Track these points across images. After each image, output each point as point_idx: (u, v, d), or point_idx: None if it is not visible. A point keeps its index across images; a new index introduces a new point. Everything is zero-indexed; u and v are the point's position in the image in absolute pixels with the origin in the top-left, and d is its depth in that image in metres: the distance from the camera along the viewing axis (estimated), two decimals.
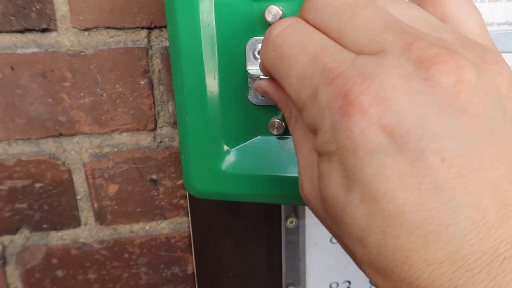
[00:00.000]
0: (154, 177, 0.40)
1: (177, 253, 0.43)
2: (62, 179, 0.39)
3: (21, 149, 0.38)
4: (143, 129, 0.39)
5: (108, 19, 0.35)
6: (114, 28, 0.36)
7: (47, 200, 0.40)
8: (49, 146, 0.38)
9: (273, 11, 0.23)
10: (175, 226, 0.42)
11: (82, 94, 0.37)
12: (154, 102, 0.38)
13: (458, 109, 0.13)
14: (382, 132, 0.14)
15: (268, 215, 0.40)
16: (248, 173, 0.26)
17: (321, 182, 0.16)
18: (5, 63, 0.36)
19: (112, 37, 0.36)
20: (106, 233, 0.42)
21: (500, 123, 0.14)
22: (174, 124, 0.39)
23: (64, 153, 0.39)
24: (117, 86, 0.37)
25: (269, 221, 0.40)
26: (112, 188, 0.40)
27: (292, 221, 0.39)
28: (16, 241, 0.41)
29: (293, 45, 0.17)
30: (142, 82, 0.37)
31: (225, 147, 0.27)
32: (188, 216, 0.42)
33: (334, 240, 0.39)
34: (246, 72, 0.25)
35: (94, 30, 0.36)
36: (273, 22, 0.23)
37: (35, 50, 0.36)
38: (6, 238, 0.41)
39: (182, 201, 0.42)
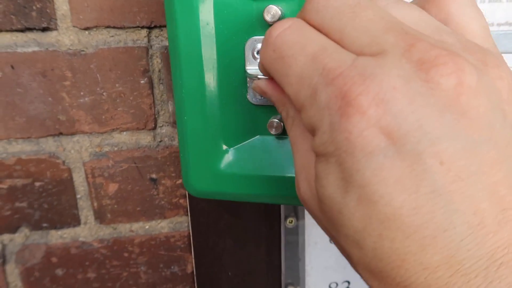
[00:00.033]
0: (154, 176, 0.40)
1: (177, 253, 0.43)
2: (62, 178, 0.40)
3: (21, 148, 0.38)
4: (143, 128, 0.39)
5: (109, 18, 0.35)
6: (114, 27, 0.36)
7: (47, 199, 0.40)
8: (49, 145, 0.39)
9: (272, 11, 0.23)
10: (175, 225, 0.42)
11: (82, 93, 0.37)
12: (154, 102, 0.38)
13: (458, 112, 0.13)
14: (381, 134, 0.13)
15: (268, 215, 0.40)
16: (246, 173, 0.26)
17: (318, 183, 0.16)
18: (6, 62, 0.36)
19: (112, 36, 0.36)
20: (106, 232, 0.42)
21: (500, 127, 0.14)
22: (174, 124, 0.39)
23: (64, 152, 0.39)
24: (117, 85, 0.37)
25: (269, 221, 0.40)
26: (112, 187, 0.40)
27: (292, 221, 0.39)
28: (16, 239, 0.41)
29: (293, 46, 0.17)
30: (142, 82, 0.37)
31: (224, 147, 0.27)
32: (187, 215, 0.42)
33: None
34: (245, 71, 0.25)
35: (95, 29, 0.36)
36: (272, 22, 0.23)
37: (36, 49, 0.36)
38: (6, 237, 0.41)
39: (181, 201, 0.42)
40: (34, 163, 0.39)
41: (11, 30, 0.35)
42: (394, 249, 0.13)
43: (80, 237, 0.42)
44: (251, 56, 0.25)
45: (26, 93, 0.37)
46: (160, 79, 0.38)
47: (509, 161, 0.13)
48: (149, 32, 0.36)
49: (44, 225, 0.41)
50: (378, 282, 0.14)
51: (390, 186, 0.13)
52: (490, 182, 0.13)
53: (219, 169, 0.27)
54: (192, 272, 0.44)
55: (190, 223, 0.41)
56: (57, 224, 0.41)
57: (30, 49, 0.36)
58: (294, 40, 0.17)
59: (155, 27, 0.36)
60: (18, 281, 0.42)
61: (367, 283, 0.15)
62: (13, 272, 0.42)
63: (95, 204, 0.41)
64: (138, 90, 0.37)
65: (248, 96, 0.26)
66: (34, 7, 0.35)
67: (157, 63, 0.37)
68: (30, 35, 0.35)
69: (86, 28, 0.35)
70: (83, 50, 0.36)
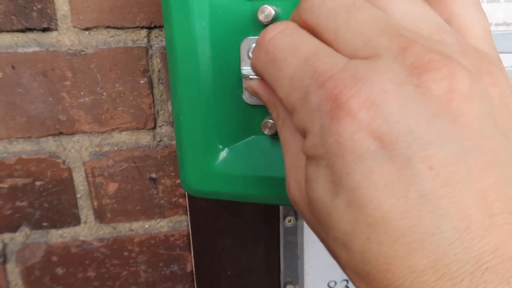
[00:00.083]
0: (153, 175, 0.41)
1: (176, 251, 0.43)
2: (62, 178, 0.40)
3: (22, 148, 0.39)
4: (142, 128, 0.39)
5: (108, 19, 0.35)
6: (114, 27, 0.36)
7: (47, 198, 0.40)
8: (50, 144, 0.39)
9: (266, 11, 0.23)
10: (174, 224, 0.43)
11: (82, 93, 0.37)
12: (153, 101, 0.38)
13: (449, 117, 0.13)
14: (371, 138, 0.13)
15: (267, 214, 0.40)
16: (241, 172, 0.26)
17: (308, 186, 0.16)
18: (6, 62, 0.36)
19: (112, 36, 0.36)
20: (106, 231, 0.42)
21: (491, 134, 0.14)
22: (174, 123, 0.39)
23: (64, 151, 0.39)
24: (117, 85, 0.37)
25: (268, 220, 0.40)
26: (112, 187, 0.40)
27: (291, 220, 0.40)
28: (16, 239, 0.41)
29: (285, 49, 0.17)
30: (142, 81, 0.38)
31: (219, 146, 0.27)
32: (187, 214, 0.42)
33: None
34: (240, 72, 0.25)
35: (95, 29, 0.36)
36: (265, 22, 0.23)
37: (36, 49, 0.36)
38: (6, 236, 0.41)
39: (181, 200, 0.42)
40: (34, 163, 0.39)
41: (12, 31, 0.35)
42: (382, 252, 0.13)
43: (80, 236, 0.42)
44: (246, 56, 0.25)
45: (27, 93, 0.37)
46: (159, 79, 0.38)
47: (498, 167, 0.13)
48: (149, 32, 0.36)
49: (45, 224, 0.41)
50: (365, 285, 0.14)
51: (379, 190, 0.13)
52: (478, 188, 0.13)
53: (214, 169, 0.27)
54: (192, 271, 0.44)
55: (189, 222, 0.41)
56: (57, 223, 0.41)
57: (30, 49, 0.36)
58: (287, 43, 0.17)
59: (155, 27, 0.36)
60: (19, 280, 0.42)
61: (355, 285, 0.15)
62: (13, 271, 0.42)
63: (95, 203, 0.41)
64: (137, 90, 0.38)
65: (243, 96, 0.26)
66: (34, 8, 0.35)
67: (156, 63, 0.37)
68: (31, 36, 0.36)
69: (86, 29, 0.36)
70: (83, 50, 0.36)
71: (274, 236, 0.41)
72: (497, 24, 0.30)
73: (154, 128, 0.39)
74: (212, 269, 0.42)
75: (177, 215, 0.42)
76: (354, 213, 0.14)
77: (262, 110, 0.26)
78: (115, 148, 0.39)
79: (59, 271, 0.43)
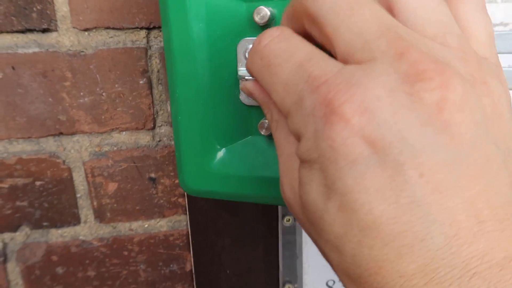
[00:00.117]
0: (153, 175, 0.41)
1: (176, 251, 0.44)
2: (62, 178, 0.40)
3: (22, 148, 0.39)
4: (142, 128, 0.39)
5: (108, 20, 0.36)
6: (113, 28, 0.36)
7: (47, 198, 0.40)
8: (50, 144, 0.39)
9: (261, 12, 0.23)
10: (174, 224, 0.43)
11: (82, 93, 0.37)
12: (153, 102, 0.38)
13: (440, 126, 0.13)
14: (364, 143, 0.14)
15: (266, 213, 0.40)
16: (238, 173, 0.26)
17: (301, 189, 0.16)
18: (6, 62, 0.36)
19: (111, 37, 0.36)
20: (106, 230, 0.42)
21: (481, 144, 0.14)
22: None
23: (64, 151, 0.39)
24: (116, 85, 0.37)
25: (267, 220, 0.40)
26: (112, 187, 0.41)
27: (289, 220, 0.40)
28: (16, 238, 0.41)
29: (280, 54, 0.17)
30: (141, 82, 0.38)
31: (217, 146, 0.27)
32: (186, 214, 0.42)
33: None
34: (237, 72, 0.26)
35: (94, 30, 0.36)
36: (261, 23, 0.23)
37: (36, 50, 0.36)
38: (7, 236, 0.41)
39: (180, 200, 0.42)
40: (34, 163, 0.39)
41: (12, 31, 0.35)
42: (372, 256, 0.14)
43: (80, 235, 0.42)
44: (242, 57, 0.25)
45: (27, 93, 0.37)
46: (159, 80, 0.38)
47: (488, 176, 0.14)
48: (148, 33, 0.37)
49: (45, 224, 0.41)
50: (356, 287, 0.15)
51: (371, 195, 0.13)
52: (468, 196, 0.13)
53: (212, 169, 0.27)
54: (191, 270, 0.44)
55: (189, 222, 0.41)
56: (57, 223, 0.41)
57: (30, 50, 0.36)
58: (282, 49, 0.17)
59: (154, 28, 0.36)
60: (19, 279, 0.43)
61: (346, 287, 0.15)
62: (14, 270, 0.42)
63: (95, 203, 0.41)
64: (137, 90, 0.38)
65: (240, 97, 0.26)
66: (34, 9, 0.35)
67: (156, 63, 0.38)
68: (31, 36, 0.36)
69: (86, 29, 0.36)
70: (82, 51, 0.36)
71: (273, 235, 0.41)
72: (494, 25, 0.31)
73: (153, 128, 0.39)
74: (212, 268, 0.42)
75: (176, 214, 0.42)
76: (346, 217, 0.14)
77: (259, 110, 0.26)
78: (115, 148, 0.40)
79: (59, 270, 0.43)
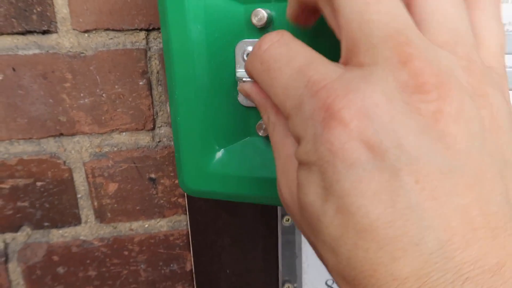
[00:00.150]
0: (153, 176, 0.41)
1: (176, 251, 0.44)
2: (63, 178, 0.40)
3: (23, 149, 0.39)
4: (142, 129, 0.39)
5: (108, 21, 0.36)
6: (113, 30, 0.36)
7: (48, 198, 0.41)
8: (50, 145, 0.39)
9: (259, 15, 0.23)
10: (174, 224, 0.43)
11: (82, 94, 0.38)
12: (152, 102, 0.39)
13: (436, 136, 0.14)
14: (362, 148, 0.14)
15: (265, 213, 0.40)
16: (237, 173, 0.27)
17: (300, 190, 0.16)
18: (7, 64, 0.36)
19: (111, 38, 0.37)
20: (106, 231, 0.42)
21: (477, 154, 0.14)
22: None
23: (64, 152, 0.39)
24: (116, 86, 0.38)
25: (266, 220, 0.40)
26: (112, 187, 0.41)
27: (289, 219, 0.40)
28: (18, 238, 0.42)
29: (280, 59, 0.17)
30: (141, 83, 0.38)
31: (216, 147, 0.27)
32: (186, 214, 0.43)
33: None
34: (235, 74, 0.26)
35: (94, 32, 0.36)
36: (259, 25, 0.24)
37: (36, 51, 0.36)
38: (8, 236, 0.41)
39: (180, 200, 0.42)
40: (35, 164, 0.39)
41: (12, 33, 0.36)
42: (367, 259, 0.14)
43: (81, 236, 0.42)
44: (241, 58, 0.25)
45: (28, 94, 0.37)
46: (158, 81, 0.38)
47: (481, 185, 0.14)
48: (147, 35, 0.37)
49: (46, 224, 0.42)
50: None
51: (368, 199, 0.14)
52: (461, 204, 0.13)
53: (211, 169, 0.27)
54: (191, 270, 0.45)
55: (188, 222, 0.41)
56: (58, 223, 0.42)
57: (31, 52, 0.36)
58: (281, 54, 0.17)
59: (153, 29, 0.37)
60: (20, 279, 0.43)
61: None
62: (15, 270, 0.43)
63: (96, 203, 0.41)
64: (137, 91, 0.38)
65: (239, 98, 0.26)
66: (34, 11, 0.35)
67: (155, 64, 0.38)
68: (31, 38, 0.36)
69: (86, 31, 0.36)
70: (82, 53, 0.37)
71: (272, 235, 0.41)
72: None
73: (153, 129, 0.39)
74: (211, 268, 0.43)
75: (176, 214, 0.43)
76: (343, 219, 0.14)
77: (257, 112, 0.26)
78: (115, 149, 0.40)
79: (60, 270, 0.43)
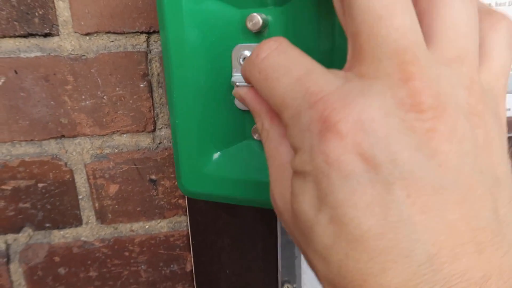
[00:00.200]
0: (153, 177, 0.41)
1: (176, 251, 0.44)
2: (64, 179, 0.40)
3: (25, 150, 0.39)
4: (142, 131, 0.39)
5: (109, 24, 0.36)
6: (114, 32, 0.36)
7: (49, 199, 0.41)
8: (52, 147, 0.39)
9: (254, 20, 0.23)
10: (174, 225, 0.43)
11: (83, 97, 0.38)
12: (153, 105, 0.39)
13: (428, 153, 0.14)
14: (357, 160, 0.14)
15: (264, 214, 0.40)
16: (233, 176, 0.27)
17: (294, 199, 0.17)
18: (9, 67, 0.37)
19: (112, 41, 0.37)
20: (107, 231, 0.43)
21: (468, 171, 0.14)
22: None
23: (66, 154, 0.40)
24: (117, 89, 0.38)
25: (265, 220, 0.41)
26: (113, 188, 0.41)
27: None
28: (19, 239, 0.42)
29: (279, 69, 0.17)
30: (141, 85, 0.38)
31: (213, 150, 0.27)
32: (186, 215, 0.43)
33: None
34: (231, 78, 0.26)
35: (95, 34, 0.36)
36: (254, 30, 0.24)
37: (38, 54, 0.36)
38: (10, 237, 0.42)
39: (180, 201, 0.42)
40: (37, 165, 0.40)
41: (14, 36, 0.36)
42: (357, 269, 0.14)
43: (82, 236, 0.42)
44: (237, 63, 0.25)
45: (29, 97, 0.38)
46: (159, 83, 0.38)
47: (470, 201, 0.14)
48: (148, 37, 0.37)
49: (47, 225, 0.42)
50: None
51: (360, 210, 0.14)
52: (450, 219, 0.14)
53: (208, 171, 0.27)
54: (191, 270, 0.45)
55: (189, 223, 0.41)
56: (59, 224, 0.42)
57: (33, 54, 0.36)
58: (280, 63, 0.17)
59: (154, 32, 0.37)
60: (22, 279, 0.43)
61: None
62: (17, 271, 0.43)
63: (97, 204, 0.41)
64: (137, 93, 0.38)
65: (235, 102, 0.26)
66: (36, 14, 0.35)
67: (156, 67, 0.38)
68: (33, 41, 0.36)
69: (87, 34, 0.36)
70: (84, 55, 0.37)
71: (271, 235, 0.41)
72: None
73: (153, 130, 0.40)
74: (211, 268, 0.43)
75: (176, 215, 0.43)
76: (336, 229, 0.15)
77: None
78: (116, 151, 0.40)
79: (62, 271, 0.43)
